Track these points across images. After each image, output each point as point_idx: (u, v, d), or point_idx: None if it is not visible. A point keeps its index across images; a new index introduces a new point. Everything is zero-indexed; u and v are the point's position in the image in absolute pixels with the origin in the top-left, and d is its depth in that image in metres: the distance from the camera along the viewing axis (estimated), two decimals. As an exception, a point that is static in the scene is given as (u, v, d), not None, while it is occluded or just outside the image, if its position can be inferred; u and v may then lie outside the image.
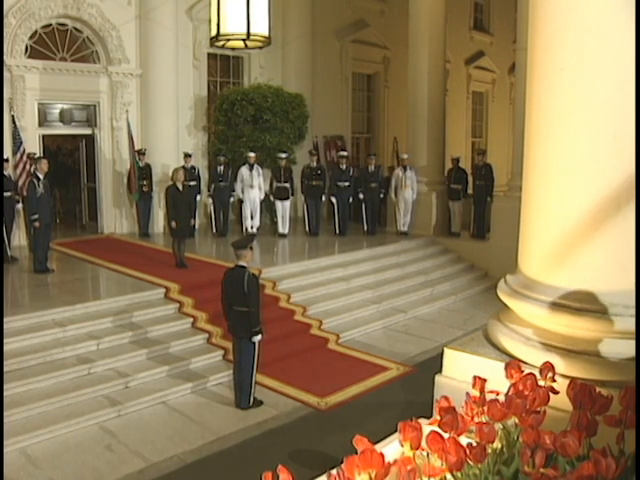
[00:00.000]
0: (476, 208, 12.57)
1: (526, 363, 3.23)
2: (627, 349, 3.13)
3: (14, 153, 10.60)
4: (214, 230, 12.44)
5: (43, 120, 11.97)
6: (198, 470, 5.26)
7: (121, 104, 12.42)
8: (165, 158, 12.60)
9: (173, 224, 9.36)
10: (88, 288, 9.01)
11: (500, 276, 4.01)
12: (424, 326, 9.14)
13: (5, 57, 10.83)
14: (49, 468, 5.21)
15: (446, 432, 2.30)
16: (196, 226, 10.91)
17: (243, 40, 8.57)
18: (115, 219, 12.81)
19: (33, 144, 11.36)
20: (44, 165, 9.07)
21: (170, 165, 11.94)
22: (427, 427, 2.32)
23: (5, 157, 10.08)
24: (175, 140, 12.94)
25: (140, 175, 12.10)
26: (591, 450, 2.25)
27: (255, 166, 12.01)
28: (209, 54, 13.95)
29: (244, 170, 11.98)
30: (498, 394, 2.65)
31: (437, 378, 3.82)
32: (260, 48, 9.71)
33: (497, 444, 2.43)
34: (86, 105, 12.50)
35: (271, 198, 12.45)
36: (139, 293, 8.16)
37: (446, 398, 2.54)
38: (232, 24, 8.24)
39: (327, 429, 5.89)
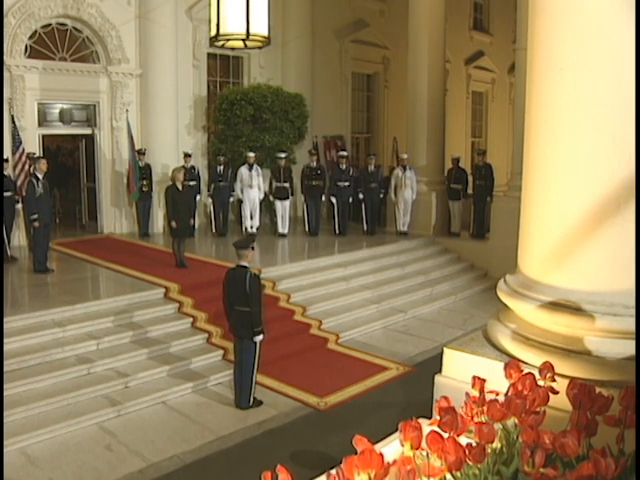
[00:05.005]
0: (476, 208, 12.57)
1: (526, 363, 3.23)
2: (627, 349, 3.13)
3: (13, 153, 10.60)
4: (214, 230, 12.44)
5: (43, 120, 11.96)
6: (198, 470, 5.26)
7: (121, 104, 12.41)
8: (165, 158, 12.60)
9: (173, 224, 9.36)
10: (88, 288, 9.01)
11: (500, 276, 4.02)
12: (424, 326, 9.14)
13: (5, 57, 10.82)
14: (49, 468, 5.21)
15: (446, 432, 2.30)
16: (196, 226, 10.90)
17: (243, 40, 8.56)
18: (115, 219, 12.80)
19: (33, 144, 11.35)
20: (43, 165, 9.06)
21: (170, 165, 11.94)
22: (427, 427, 2.32)
23: (5, 157, 10.08)
24: (175, 140, 12.93)
25: (140, 175, 12.10)
26: (591, 450, 2.25)
27: (255, 166, 12.01)
28: (209, 54, 13.95)
29: (243, 170, 11.98)
30: (498, 394, 2.65)
31: (437, 378, 3.82)
32: (260, 48, 9.70)
33: (497, 444, 2.43)
34: (86, 105, 12.50)
35: (271, 198, 12.45)
36: (139, 293, 8.16)
37: (446, 398, 2.54)
38: (232, 24, 8.23)
39: (327, 429, 5.89)
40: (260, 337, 6.16)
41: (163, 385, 6.68)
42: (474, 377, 2.79)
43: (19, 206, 10.19)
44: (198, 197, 12.38)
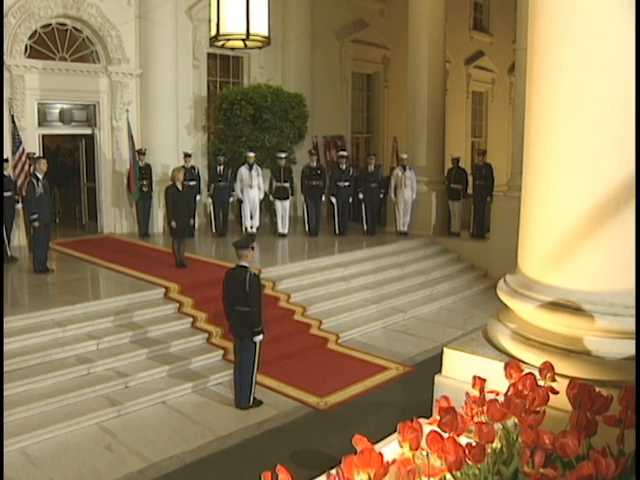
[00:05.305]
0: (476, 208, 12.57)
1: (526, 363, 3.23)
2: (627, 349, 3.13)
3: (13, 153, 10.59)
4: (214, 230, 12.44)
5: (43, 120, 11.96)
6: (198, 470, 5.26)
7: (121, 104, 12.41)
8: (165, 158, 12.60)
9: (173, 224, 9.36)
10: (88, 288, 9.01)
11: (500, 276, 4.01)
12: (424, 326, 9.14)
13: (5, 57, 10.82)
14: (49, 468, 5.21)
15: (446, 432, 2.30)
16: (196, 226, 10.90)
17: (243, 40, 8.56)
18: (115, 219, 12.80)
19: (33, 144, 11.35)
20: (43, 165, 9.07)
21: (170, 165, 11.94)
22: (427, 427, 2.32)
23: (5, 157, 10.08)
24: (175, 140, 12.93)
25: (140, 175, 12.09)
26: (591, 450, 2.25)
27: (254, 166, 12.02)
28: (209, 54, 13.95)
29: (243, 170, 11.98)
30: (498, 394, 2.65)
31: (437, 378, 3.82)
32: (260, 48, 9.70)
33: (497, 444, 2.43)
34: (86, 105, 12.50)
35: (271, 198, 12.45)
36: (139, 293, 8.16)
37: (446, 398, 2.54)
38: (232, 24, 8.23)
39: (327, 429, 5.89)
40: (260, 337, 6.16)
41: (163, 385, 6.68)
42: (474, 377, 2.79)
43: (19, 206, 10.19)
44: (198, 197, 12.39)
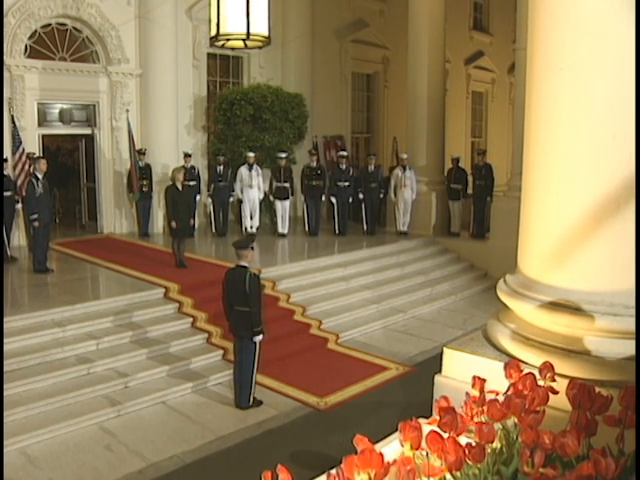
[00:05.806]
0: (476, 208, 12.56)
1: (526, 363, 3.23)
2: (627, 349, 3.14)
3: (13, 153, 10.59)
4: (213, 230, 12.44)
5: (43, 120, 11.96)
6: (198, 470, 5.26)
7: (121, 104, 12.41)
8: (165, 158, 12.60)
9: (173, 224, 9.36)
10: (88, 288, 9.01)
11: (500, 276, 4.02)
12: (424, 326, 9.14)
13: (5, 57, 10.82)
14: (49, 468, 5.21)
15: (445, 432, 2.30)
16: (196, 226, 10.90)
17: (243, 40, 8.57)
18: (115, 219, 12.80)
19: (33, 144, 11.35)
20: (43, 165, 9.08)
21: (170, 165, 11.94)
22: (427, 427, 2.32)
23: (5, 157, 10.08)
24: (175, 140, 12.93)
25: (140, 175, 12.10)
26: (591, 450, 2.25)
27: (254, 166, 12.02)
28: (209, 54, 13.95)
29: (243, 170, 11.99)
30: (497, 394, 2.66)
31: (436, 378, 3.82)
32: (260, 48, 9.71)
33: (496, 444, 2.43)
34: (86, 105, 12.50)
35: (271, 198, 12.45)
36: (139, 293, 8.16)
37: (446, 398, 2.54)
38: (232, 24, 8.24)
39: (327, 429, 5.89)
40: (260, 337, 6.16)
41: (163, 385, 6.68)
42: (474, 377, 2.79)
43: (19, 206, 10.19)
44: (198, 197, 12.38)
